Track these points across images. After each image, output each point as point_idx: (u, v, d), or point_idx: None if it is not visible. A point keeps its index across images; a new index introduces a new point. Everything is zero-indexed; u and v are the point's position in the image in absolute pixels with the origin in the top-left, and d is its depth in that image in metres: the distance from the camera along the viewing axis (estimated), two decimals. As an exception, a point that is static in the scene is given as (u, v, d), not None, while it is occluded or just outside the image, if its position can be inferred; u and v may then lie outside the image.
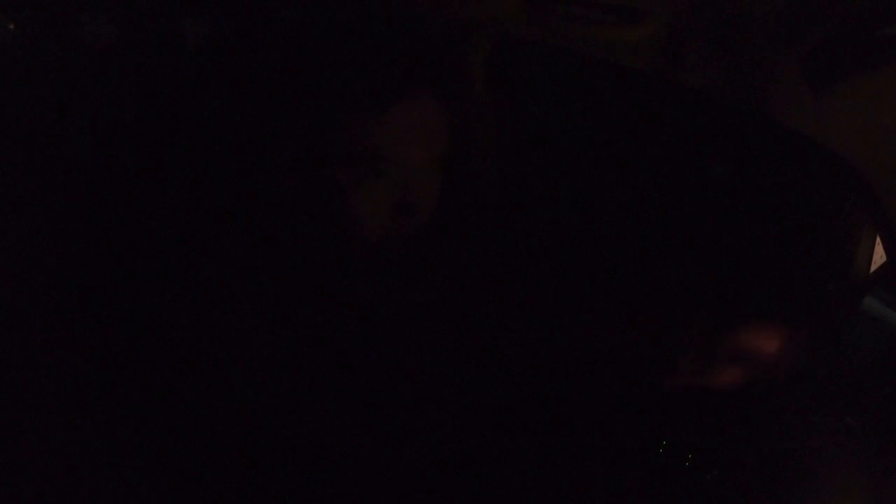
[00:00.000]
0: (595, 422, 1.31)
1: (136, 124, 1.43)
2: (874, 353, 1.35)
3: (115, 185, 1.64)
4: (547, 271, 1.69)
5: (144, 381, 1.29)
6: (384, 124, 0.99)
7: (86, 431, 1.48)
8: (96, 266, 1.64)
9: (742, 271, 1.55)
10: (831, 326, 1.45)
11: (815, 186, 1.36)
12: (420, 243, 1.09)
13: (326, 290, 1.15)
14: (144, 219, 1.46)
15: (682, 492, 1.25)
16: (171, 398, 1.24)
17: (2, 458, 1.34)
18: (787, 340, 1.24)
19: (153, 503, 1.41)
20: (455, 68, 1.46)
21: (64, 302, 1.80)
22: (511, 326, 1.36)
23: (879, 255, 1.33)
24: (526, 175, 1.76)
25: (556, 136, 1.69)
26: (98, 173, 1.66)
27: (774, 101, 1.23)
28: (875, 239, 1.33)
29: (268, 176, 1.12)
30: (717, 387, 1.26)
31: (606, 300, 1.66)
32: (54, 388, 1.54)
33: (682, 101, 1.33)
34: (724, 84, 1.26)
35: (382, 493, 1.24)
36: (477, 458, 1.31)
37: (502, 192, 1.67)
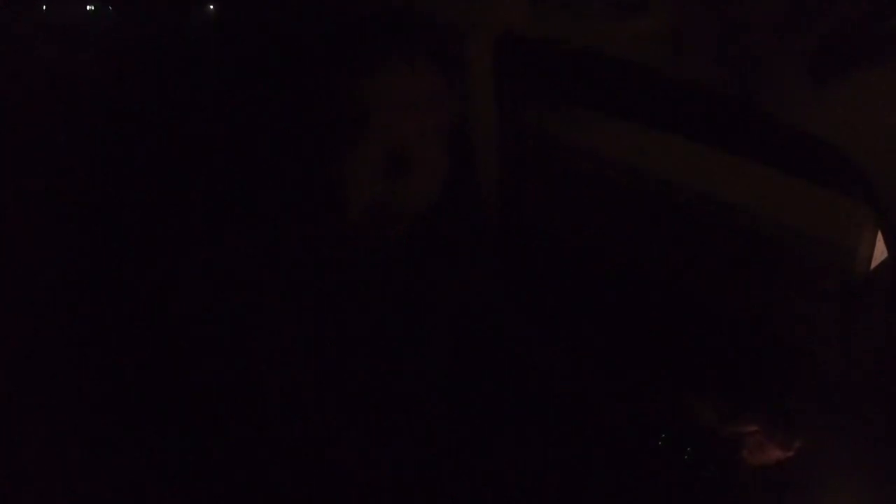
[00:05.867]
0: (595, 414, 1.30)
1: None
2: (875, 351, 1.34)
3: (115, 173, 1.65)
4: (544, 271, 1.69)
5: (144, 378, 1.29)
6: (375, 86, 0.99)
7: (87, 431, 1.48)
8: (96, 257, 1.65)
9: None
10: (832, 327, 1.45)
11: (816, 182, 1.35)
12: (419, 217, 1.08)
13: (325, 272, 1.14)
14: (144, 205, 1.46)
15: (680, 486, 1.24)
16: (170, 395, 1.23)
17: (3, 458, 1.34)
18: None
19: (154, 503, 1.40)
20: (460, 53, 1.46)
21: (68, 301, 1.80)
22: (511, 319, 1.35)
23: (880, 252, 1.33)
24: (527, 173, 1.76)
25: (558, 133, 1.69)
26: (100, 164, 1.67)
27: (776, 96, 1.24)
28: (876, 235, 1.33)
29: (264, 150, 1.12)
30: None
31: (606, 308, 1.66)
32: (57, 388, 1.54)
33: (683, 95, 1.33)
34: (726, 79, 1.27)
35: (379, 494, 1.23)
36: (475, 451, 1.30)
37: (505, 188, 1.67)
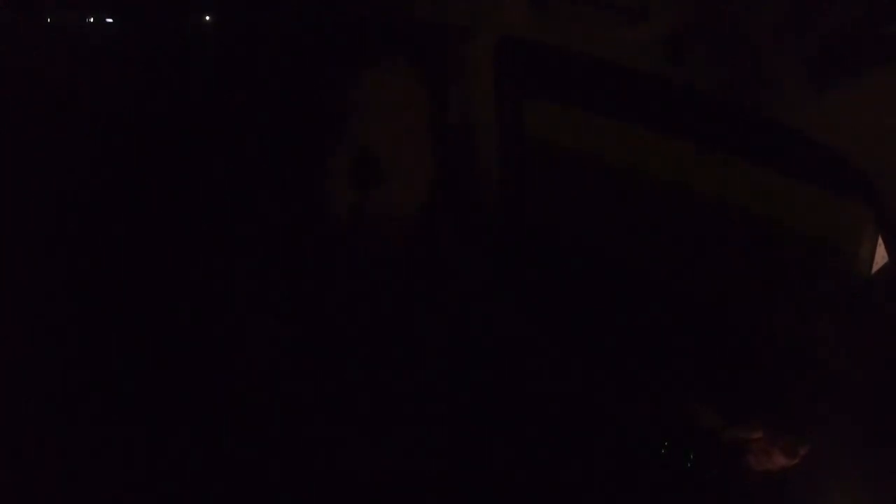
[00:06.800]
0: (600, 420, 1.30)
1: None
2: (877, 352, 1.34)
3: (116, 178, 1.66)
4: (545, 273, 1.68)
5: (145, 379, 1.29)
6: (350, 88, 1.00)
7: (89, 430, 1.48)
8: (98, 261, 1.66)
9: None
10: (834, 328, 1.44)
11: (817, 185, 1.35)
12: (407, 221, 1.09)
13: (318, 274, 1.15)
14: (143, 211, 1.47)
15: (683, 490, 1.24)
16: (171, 396, 1.24)
17: (3, 458, 1.35)
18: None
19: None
20: (456, 58, 1.47)
21: (70, 302, 1.81)
22: (512, 321, 1.35)
23: (881, 256, 1.32)
24: (527, 178, 1.75)
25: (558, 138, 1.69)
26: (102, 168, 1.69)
27: (776, 100, 1.23)
28: (877, 239, 1.32)
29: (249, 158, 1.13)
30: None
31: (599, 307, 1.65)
32: (58, 387, 1.55)
33: (684, 99, 1.32)
34: (726, 84, 1.26)
35: (379, 494, 1.23)
36: (475, 453, 1.30)
37: (501, 193, 1.67)
